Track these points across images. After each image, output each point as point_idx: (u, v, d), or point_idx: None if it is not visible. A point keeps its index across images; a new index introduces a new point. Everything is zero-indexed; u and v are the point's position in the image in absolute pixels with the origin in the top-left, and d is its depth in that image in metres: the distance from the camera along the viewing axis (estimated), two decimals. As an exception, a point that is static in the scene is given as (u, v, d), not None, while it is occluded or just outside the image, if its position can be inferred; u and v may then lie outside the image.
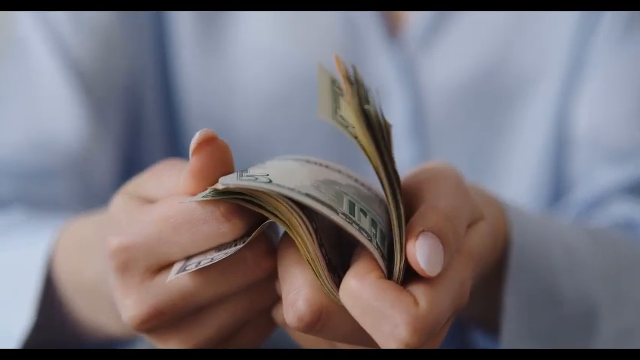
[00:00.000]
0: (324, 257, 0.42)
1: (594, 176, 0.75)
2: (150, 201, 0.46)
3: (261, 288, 0.46)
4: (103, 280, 0.50)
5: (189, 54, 0.78)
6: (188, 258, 0.44)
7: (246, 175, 0.42)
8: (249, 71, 0.77)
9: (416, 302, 0.40)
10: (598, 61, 0.75)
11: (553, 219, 0.63)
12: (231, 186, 0.41)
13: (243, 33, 0.77)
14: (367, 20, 0.76)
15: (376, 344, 0.41)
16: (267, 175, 0.42)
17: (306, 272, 0.42)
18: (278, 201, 0.42)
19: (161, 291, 0.45)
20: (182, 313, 0.45)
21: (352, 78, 0.41)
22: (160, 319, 0.45)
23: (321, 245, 0.42)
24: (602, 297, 0.59)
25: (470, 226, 0.46)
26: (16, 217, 0.69)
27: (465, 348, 0.70)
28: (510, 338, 0.56)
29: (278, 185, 0.41)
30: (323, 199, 0.41)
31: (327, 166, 0.45)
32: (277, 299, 0.46)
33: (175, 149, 0.80)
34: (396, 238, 0.41)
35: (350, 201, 0.42)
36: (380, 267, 0.41)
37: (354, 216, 0.41)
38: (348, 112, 0.41)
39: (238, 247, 0.43)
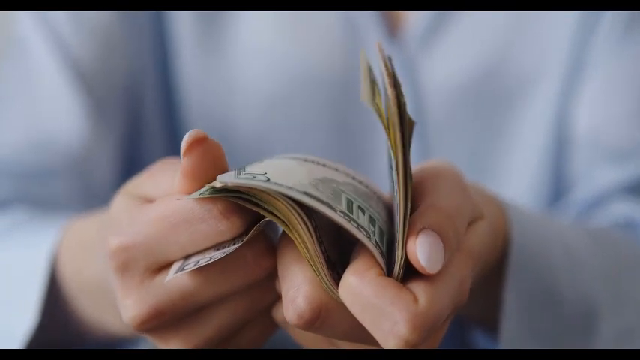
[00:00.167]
0: (323, 254, 0.42)
1: (594, 176, 0.75)
2: (149, 201, 0.46)
3: (262, 287, 0.46)
4: (107, 280, 0.50)
5: (189, 54, 0.78)
6: (187, 257, 0.44)
7: (244, 174, 0.42)
8: (249, 71, 0.77)
9: (416, 299, 0.40)
10: (598, 61, 0.75)
11: (553, 219, 0.63)
12: (229, 184, 0.41)
13: (243, 33, 0.77)
14: (367, 20, 0.76)
15: (376, 341, 0.41)
16: (265, 173, 0.42)
17: (306, 270, 0.42)
18: (276, 199, 0.42)
19: (161, 291, 0.45)
20: (182, 313, 0.45)
21: (391, 69, 0.41)
22: (160, 319, 0.45)
23: (320, 243, 0.42)
24: (602, 297, 0.59)
25: (470, 224, 0.46)
26: (18, 216, 0.69)
27: (464, 347, 0.70)
28: (510, 337, 0.56)
29: (276, 184, 0.41)
30: (321, 197, 0.41)
31: (324, 165, 0.45)
32: (278, 298, 0.46)
33: (176, 149, 0.79)
34: (399, 234, 0.41)
35: (348, 199, 0.42)
36: (379, 264, 0.41)
37: (352, 213, 0.41)
38: (379, 101, 0.41)
39: (236, 245, 0.43)
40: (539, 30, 0.77)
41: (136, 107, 0.79)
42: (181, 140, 0.44)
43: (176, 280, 0.44)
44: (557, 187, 0.79)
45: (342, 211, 0.41)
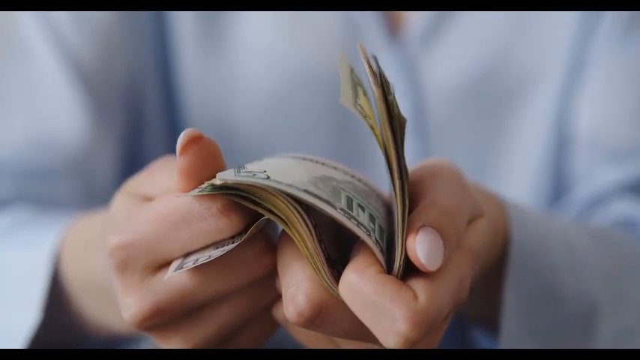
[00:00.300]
0: (323, 252, 0.42)
1: (594, 176, 0.75)
2: (149, 199, 0.46)
3: (262, 286, 0.46)
4: (108, 279, 0.50)
5: (190, 54, 0.78)
6: (186, 255, 0.44)
7: (244, 172, 0.42)
8: (250, 71, 0.77)
9: (415, 296, 0.40)
10: (598, 61, 0.75)
11: (554, 217, 0.63)
12: (230, 182, 0.42)
13: (244, 33, 0.77)
14: (368, 20, 0.76)
15: (376, 339, 0.41)
16: (265, 171, 0.42)
17: (306, 267, 0.42)
18: (276, 197, 0.42)
19: (161, 289, 0.45)
20: (183, 311, 0.45)
21: (375, 68, 0.41)
22: (160, 317, 0.45)
23: (320, 240, 0.42)
24: (602, 296, 0.59)
25: (470, 222, 0.46)
26: (20, 215, 0.69)
27: (465, 346, 0.70)
28: (510, 337, 0.56)
29: (276, 181, 0.41)
30: (321, 194, 0.41)
31: (322, 163, 0.45)
32: (278, 297, 0.46)
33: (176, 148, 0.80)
34: (399, 232, 0.41)
35: (348, 196, 0.42)
36: (379, 261, 0.41)
37: (352, 211, 0.42)
38: (365, 102, 0.41)
39: (235, 244, 0.43)
40: (539, 30, 0.77)
41: (136, 107, 0.79)
42: None
43: (176, 278, 0.44)
44: (558, 187, 0.79)
45: (342, 209, 0.41)
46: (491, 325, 0.59)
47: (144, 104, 0.79)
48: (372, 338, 0.41)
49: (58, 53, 0.74)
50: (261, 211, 0.42)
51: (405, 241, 0.41)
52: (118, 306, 0.46)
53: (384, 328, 0.40)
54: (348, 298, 0.41)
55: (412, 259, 0.41)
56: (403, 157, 0.41)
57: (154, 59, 0.79)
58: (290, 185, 0.41)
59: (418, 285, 0.41)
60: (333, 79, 0.77)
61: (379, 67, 0.42)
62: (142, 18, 0.77)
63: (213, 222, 0.43)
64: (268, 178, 0.41)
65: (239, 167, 0.43)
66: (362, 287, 0.40)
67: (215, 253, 0.43)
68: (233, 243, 0.43)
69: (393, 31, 0.77)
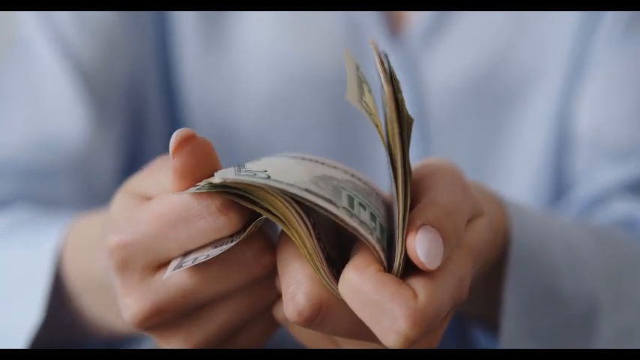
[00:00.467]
0: (322, 251, 0.42)
1: (595, 175, 0.75)
2: (148, 198, 0.46)
3: (262, 285, 0.46)
4: (110, 278, 0.50)
5: (191, 54, 0.78)
6: (185, 255, 0.44)
7: (245, 171, 0.42)
8: (251, 71, 0.77)
9: (415, 295, 0.40)
10: (599, 61, 0.75)
11: (554, 216, 0.63)
12: (230, 180, 0.42)
13: (245, 33, 0.77)
14: (369, 20, 0.76)
15: (376, 338, 0.41)
16: (265, 171, 0.42)
17: (306, 266, 0.42)
18: (274, 197, 0.42)
19: (161, 288, 0.45)
20: (183, 311, 0.45)
21: (387, 65, 0.41)
22: (161, 317, 0.45)
23: (319, 239, 0.42)
24: (603, 296, 0.59)
25: (470, 221, 0.46)
26: (22, 214, 0.69)
27: (465, 345, 0.70)
28: (510, 336, 0.56)
29: (277, 181, 0.41)
30: (323, 193, 0.41)
31: (322, 163, 0.45)
32: (278, 297, 0.46)
33: None
34: (399, 231, 0.41)
35: (349, 195, 0.42)
36: (379, 260, 0.41)
37: (353, 210, 0.42)
38: (370, 99, 0.41)
39: (233, 242, 0.43)
40: (540, 30, 0.77)
41: (138, 107, 0.79)
42: None
43: (176, 277, 0.44)
44: (558, 187, 0.79)
45: (344, 207, 0.41)
46: (492, 324, 0.59)
47: (145, 104, 0.79)
48: (372, 337, 0.41)
49: (59, 53, 0.74)
50: (258, 210, 0.42)
51: (405, 239, 0.41)
52: (119, 305, 0.46)
53: (384, 326, 0.40)
54: (348, 297, 0.41)
55: (412, 257, 0.41)
56: (408, 157, 0.41)
57: (155, 59, 0.79)
58: (292, 185, 0.41)
59: (418, 284, 0.41)
60: (333, 79, 0.77)
61: (390, 65, 0.42)
62: (143, 18, 0.77)
63: (212, 220, 0.43)
64: (269, 177, 0.41)
65: (239, 166, 0.43)
66: (362, 286, 0.40)
67: (214, 251, 0.43)
68: (232, 242, 0.43)
69: (394, 31, 0.77)
